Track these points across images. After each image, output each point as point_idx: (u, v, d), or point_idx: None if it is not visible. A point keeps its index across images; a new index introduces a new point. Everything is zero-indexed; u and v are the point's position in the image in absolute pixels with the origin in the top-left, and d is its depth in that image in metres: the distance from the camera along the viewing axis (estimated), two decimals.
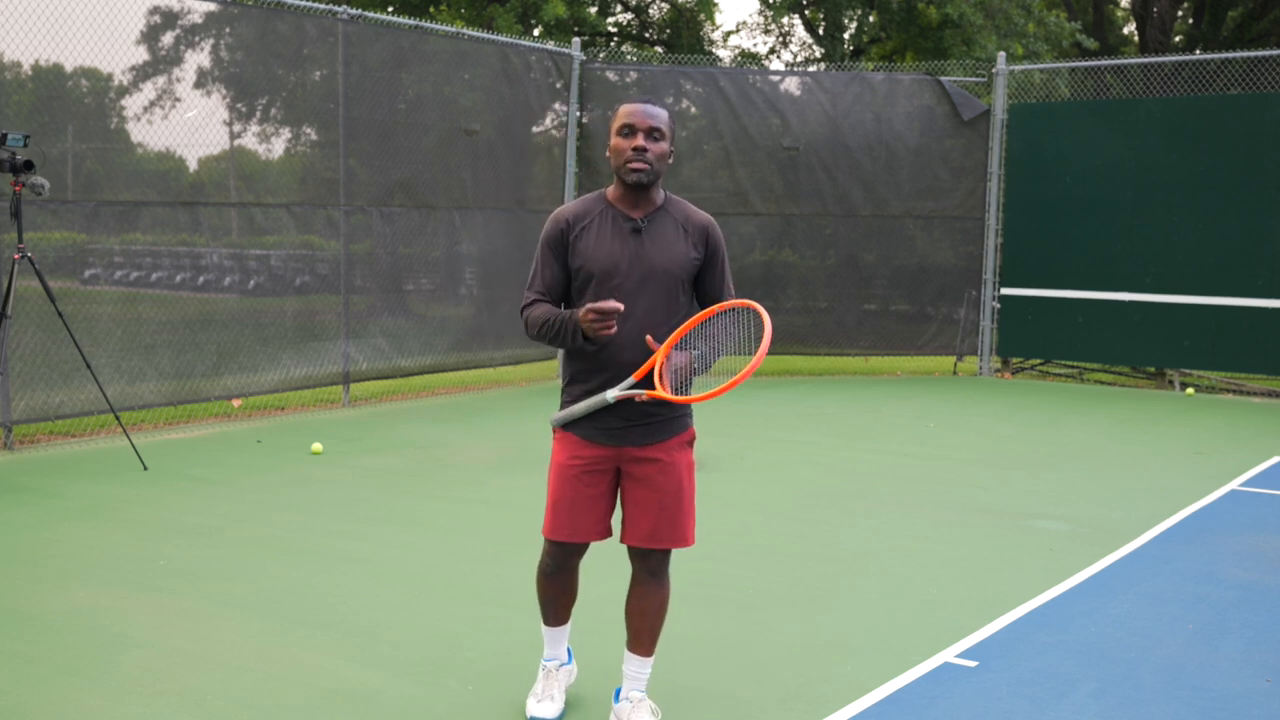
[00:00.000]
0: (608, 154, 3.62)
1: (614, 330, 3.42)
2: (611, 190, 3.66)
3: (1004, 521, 6.58)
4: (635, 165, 3.51)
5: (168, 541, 5.87)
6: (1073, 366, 13.11)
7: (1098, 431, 9.64)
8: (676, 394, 3.47)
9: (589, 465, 3.63)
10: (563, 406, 3.69)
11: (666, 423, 3.65)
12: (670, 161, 3.62)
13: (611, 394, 3.48)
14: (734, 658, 4.45)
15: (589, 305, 3.40)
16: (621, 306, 3.41)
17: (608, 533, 3.73)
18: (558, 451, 3.71)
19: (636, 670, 3.79)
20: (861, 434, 9.41)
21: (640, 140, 3.52)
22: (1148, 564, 5.77)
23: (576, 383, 3.65)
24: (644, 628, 3.76)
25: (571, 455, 3.65)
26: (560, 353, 11.43)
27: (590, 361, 3.59)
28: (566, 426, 3.66)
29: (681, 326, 3.55)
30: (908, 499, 7.09)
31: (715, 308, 3.57)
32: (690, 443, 3.75)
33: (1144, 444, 9.12)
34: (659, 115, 3.55)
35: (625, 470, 3.66)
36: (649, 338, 3.49)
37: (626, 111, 3.55)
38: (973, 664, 4.39)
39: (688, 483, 3.69)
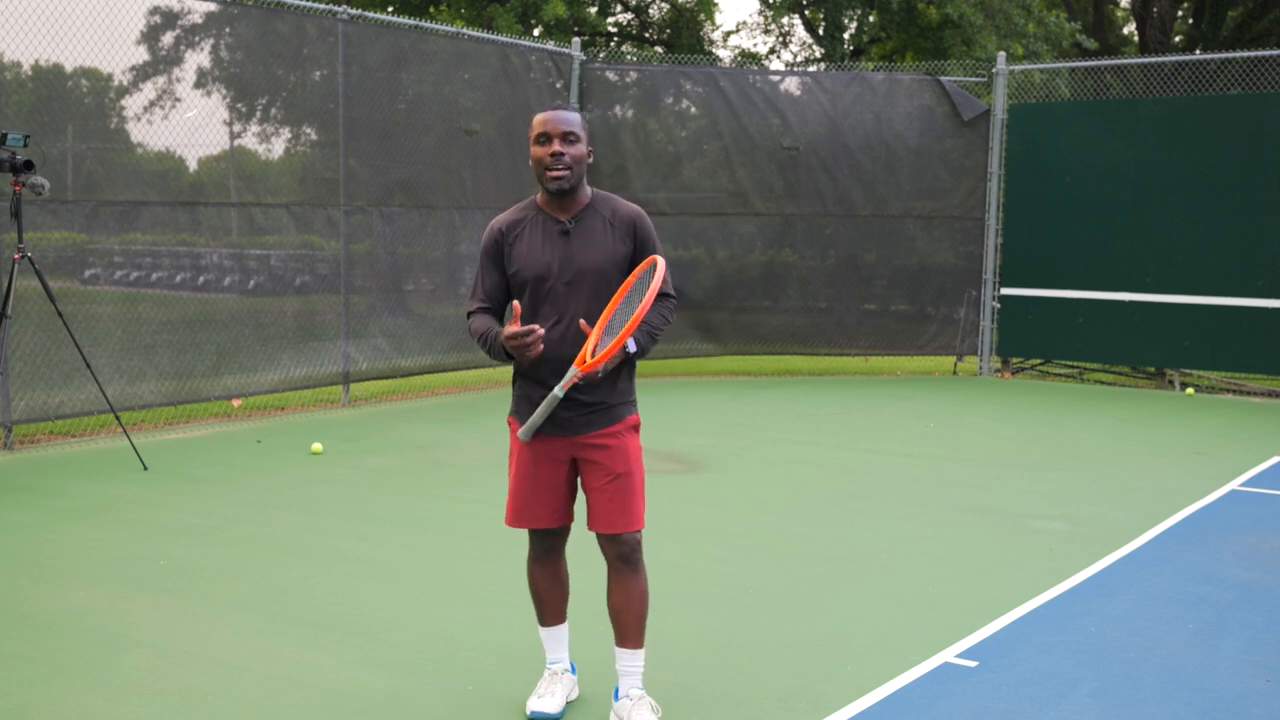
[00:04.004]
0: (530, 163, 3.78)
1: (538, 351, 3.59)
2: (540, 196, 3.83)
3: (1004, 521, 6.58)
4: (555, 174, 3.70)
5: (168, 541, 5.87)
6: (1073, 366, 13.12)
7: (1098, 431, 9.64)
8: (596, 365, 3.59)
9: (544, 454, 3.80)
10: (513, 399, 3.90)
11: (609, 410, 3.80)
12: (590, 161, 3.79)
13: (558, 389, 3.61)
14: (734, 658, 4.45)
15: (507, 332, 3.59)
16: (539, 329, 3.58)
17: (568, 519, 3.89)
18: (515, 443, 3.87)
19: (629, 665, 3.87)
20: (861, 434, 9.41)
21: (556, 146, 3.68)
22: (1148, 564, 5.77)
23: (523, 376, 3.84)
24: (629, 620, 3.86)
25: (527, 446, 3.81)
26: None
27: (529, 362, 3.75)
28: (519, 419, 3.83)
29: (607, 307, 3.68)
30: (908, 499, 7.09)
31: (628, 280, 3.71)
32: (636, 428, 3.89)
33: (1144, 444, 9.12)
34: (571, 119, 3.72)
35: (579, 458, 3.82)
36: (582, 322, 3.66)
37: (540, 121, 3.73)
38: (973, 664, 4.40)
39: (636, 466, 3.83)
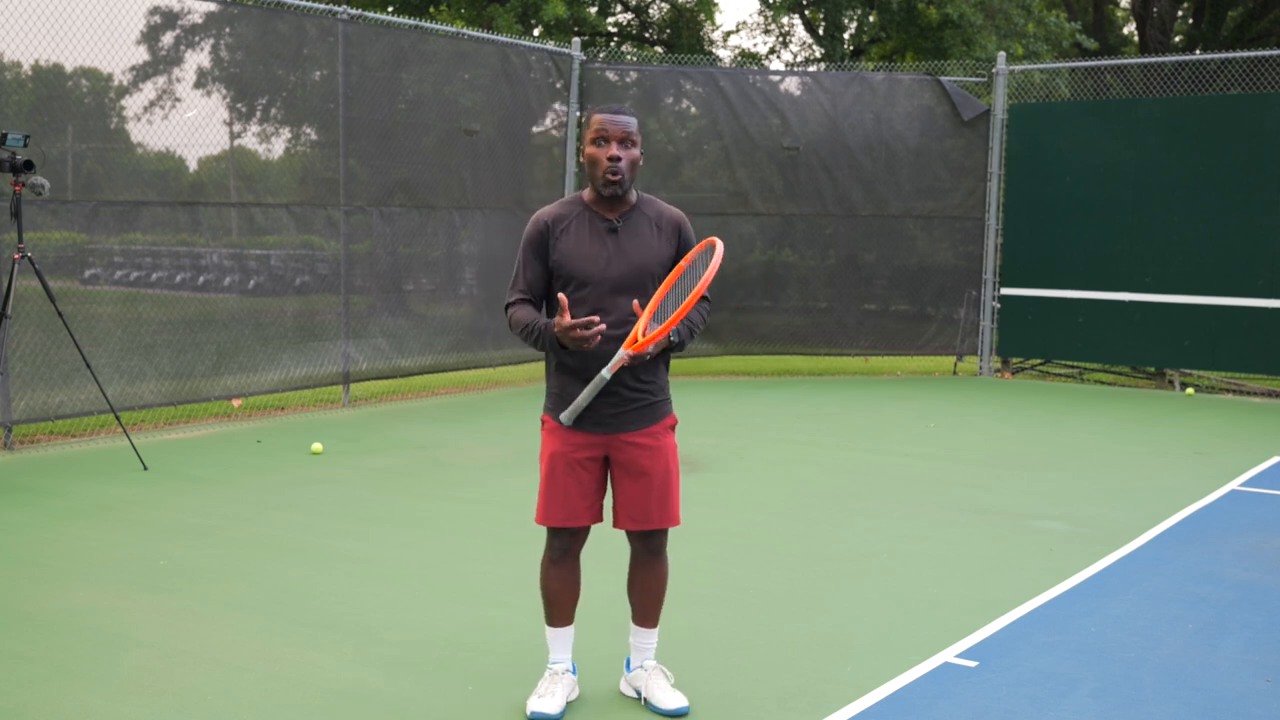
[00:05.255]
0: (582, 160, 3.80)
1: (595, 343, 3.59)
2: (588, 193, 3.85)
3: (1004, 521, 6.58)
4: (611, 177, 3.72)
5: (168, 541, 5.87)
6: (1073, 366, 13.11)
7: (1098, 431, 9.64)
8: (646, 345, 3.60)
9: (583, 454, 3.80)
10: (549, 396, 3.88)
11: (652, 407, 3.84)
12: (640, 165, 3.81)
13: (606, 370, 3.60)
14: (734, 658, 4.45)
15: (571, 322, 3.57)
16: (599, 322, 3.59)
17: (599, 517, 3.90)
18: (550, 441, 3.86)
19: (645, 642, 4.00)
20: (861, 434, 9.41)
21: (614, 149, 3.71)
22: (1148, 564, 5.77)
23: (562, 372, 3.82)
24: (649, 602, 3.96)
25: (565, 444, 3.80)
26: None
27: (573, 352, 3.75)
28: (555, 417, 3.82)
29: (658, 291, 3.70)
30: (908, 499, 7.09)
31: (681, 263, 3.73)
32: (673, 427, 3.94)
33: (1144, 444, 9.12)
34: (630, 123, 3.74)
35: (615, 458, 3.82)
36: (635, 303, 3.67)
37: (600, 120, 3.74)
38: (973, 664, 4.39)
39: (674, 465, 3.89)
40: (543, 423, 3.91)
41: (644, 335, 3.60)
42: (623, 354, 3.59)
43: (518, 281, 3.84)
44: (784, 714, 3.95)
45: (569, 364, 3.78)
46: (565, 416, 3.69)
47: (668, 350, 3.79)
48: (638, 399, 3.79)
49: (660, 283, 3.77)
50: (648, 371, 3.80)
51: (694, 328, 3.84)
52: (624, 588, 4.06)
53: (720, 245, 3.63)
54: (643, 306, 3.70)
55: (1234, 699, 4.11)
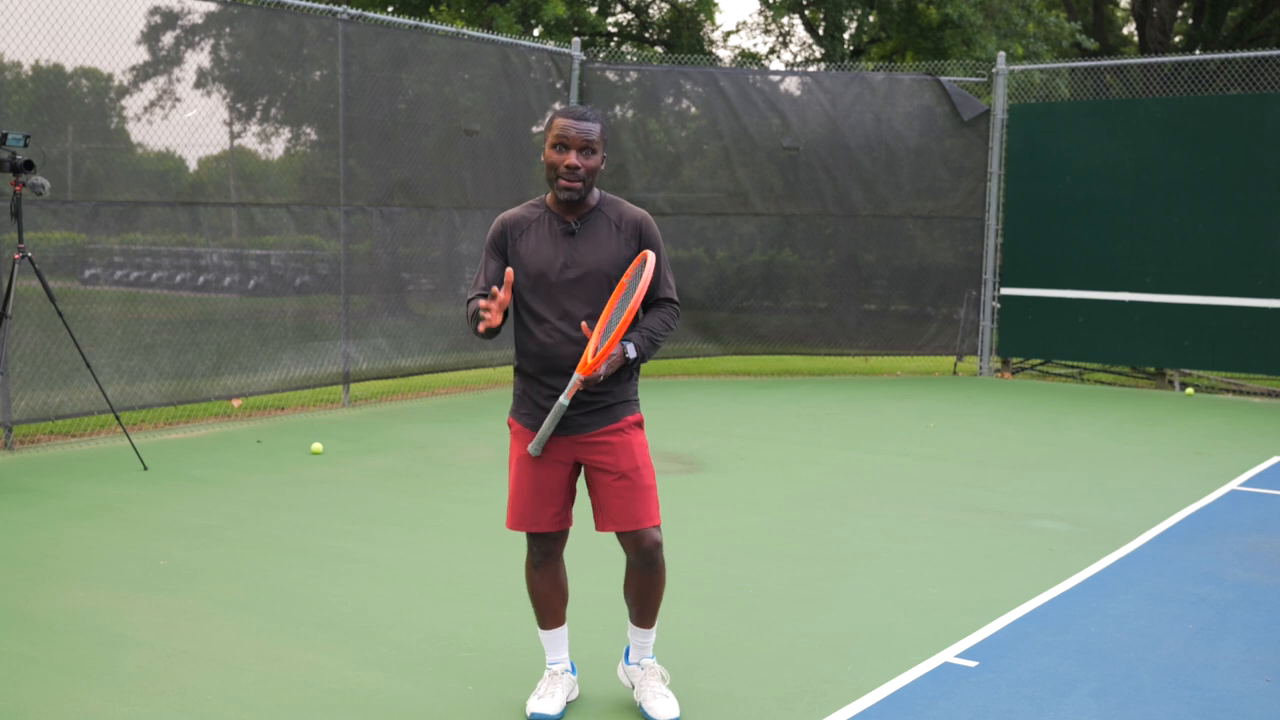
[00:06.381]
0: (544, 162, 3.78)
1: (494, 323, 3.56)
2: (550, 196, 3.85)
3: (1004, 521, 6.58)
4: (567, 184, 3.70)
5: (168, 541, 5.87)
6: (1073, 366, 13.11)
7: (1098, 431, 9.64)
8: (596, 365, 3.61)
9: (545, 456, 3.79)
10: (514, 399, 3.91)
11: (611, 407, 3.81)
12: (602, 169, 3.80)
13: (563, 398, 3.63)
14: (734, 658, 4.45)
15: (483, 302, 3.60)
16: (501, 294, 3.58)
17: (568, 522, 3.89)
18: (515, 446, 3.88)
19: (643, 640, 4.00)
20: (861, 434, 9.41)
21: (573, 158, 3.69)
22: (1148, 564, 5.77)
23: (522, 374, 3.85)
24: (646, 606, 3.94)
25: (527, 447, 3.79)
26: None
27: (532, 356, 3.78)
28: (521, 421, 3.83)
29: (605, 309, 3.70)
30: (908, 499, 7.09)
31: (622, 280, 3.72)
32: (640, 424, 3.89)
33: (1144, 444, 9.12)
34: (592, 130, 3.72)
35: (583, 459, 3.82)
36: (584, 324, 3.68)
37: (560, 126, 3.72)
38: (973, 664, 4.39)
39: (644, 462, 3.83)
40: (509, 425, 3.92)
41: (593, 356, 3.60)
42: (576, 378, 3.60)
43: (479, 280, 3.85)
44: (784, 714, 3.95)
45: (527, 369, 3.80)
46: (532, 448, 3.70)
47: (628, 364, 3.75)
48: (595, 401, 3.76)
49: (616, 285, 3.77)
50: (605, 382, 3.75)
51: (656, 338, 3.81)
52: (619, 589, 4.06)
53: (652, 258, 3.65)
54: (597, 316, 3.70)
55: (1234, 699, 4.11)
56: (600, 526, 3.85)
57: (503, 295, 3.58)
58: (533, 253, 3.77)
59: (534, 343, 3.76)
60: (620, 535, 3.84)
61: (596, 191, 3.84)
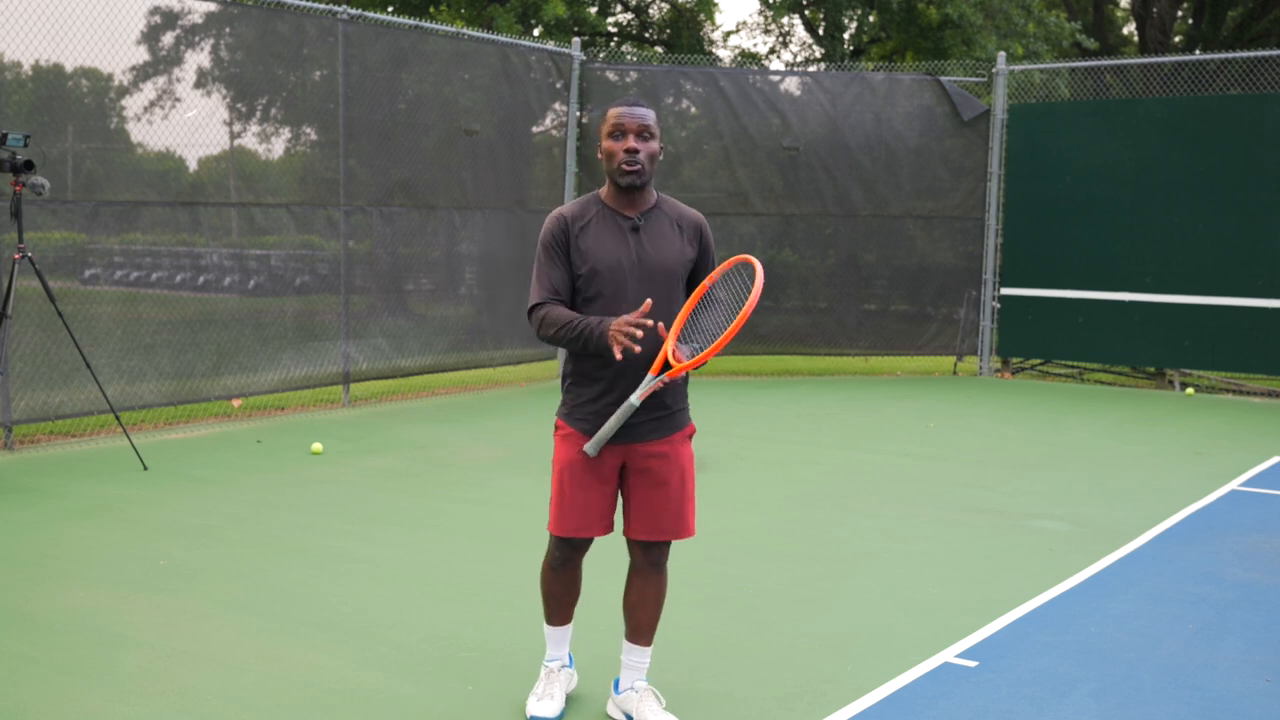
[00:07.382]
0: (600, 156, 3.68)
1: (636, 349, 3.41)
2: (605, 191, 3.72)
3: (1004, 521, 6.58)
4: (629, 168, 3.59)
5: (168, 541, 5.87)
6: (1073, 366, 13.11)
7: (1098, 431, 9.64)
8: (685, 368, 3.48)
9: (598, 463, 3.68)
10: (566, 405, 3.74)
11: (671, 417, 3.73)
12: (660, 158, 3.70)
13: (635, 397, 3.49)
14: (734, 658, 4.45)
15: (625, 319, 3.42)
16: (652, 323, 3.42)
17: (611, 527, 3.79)
18: (564, 450, 3.73)
19: (638, 660, 3.88)
20: (861, 434, 9.41)
21: (631, 142, 3.59)
22: (1148, 564, 5.77)
23: (585, 382, 3.68)
24: (645, 619, 3.85)
25: (580, 453, 3.67)
26: (561, 352, 11.45)
27: (599, 361, 3.62)
28: (576, 425, 3.68)
29: (682, 311, 3.59)
30: (908, 499, 7.09)
31: (714, 274, 3.60)
32: (691, 436, 3.82)
33: (1144, 444, 9.12)
34: (647, 115, 3.62)
35: (631, 465, 3.72)
36: (659, 324, 3.51)
37: (616, 114, 3.62)
38: (973, 664, 4.39)
39: (690, 475, 3.78)
40: (556, 427, 3.78)
41: (674, 358, 3.47)
42: (653, 379, 3.47)
43: (543, 281, 3.65)
44: (784, 714, 3.95)
45: (586, 369, 3.65)
46: (590, 448, 3.56)
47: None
48: (660, 410, 3.67)
49: (682, 283, 3.69)
50: (666, 388, 3.65)
51: None
52: (619, 589, 4.03)
53: (760, 268, 3.43)
54: (664, 314, 3.57)
55: (1234, 699, 4.11)
56: (631, 533, 3.76)
57: (649, 323, 3.42)
58: (598, 248, 3.61)
59: None
60: (636, 543, 3.78)
61: (653, 190, 3.74)
